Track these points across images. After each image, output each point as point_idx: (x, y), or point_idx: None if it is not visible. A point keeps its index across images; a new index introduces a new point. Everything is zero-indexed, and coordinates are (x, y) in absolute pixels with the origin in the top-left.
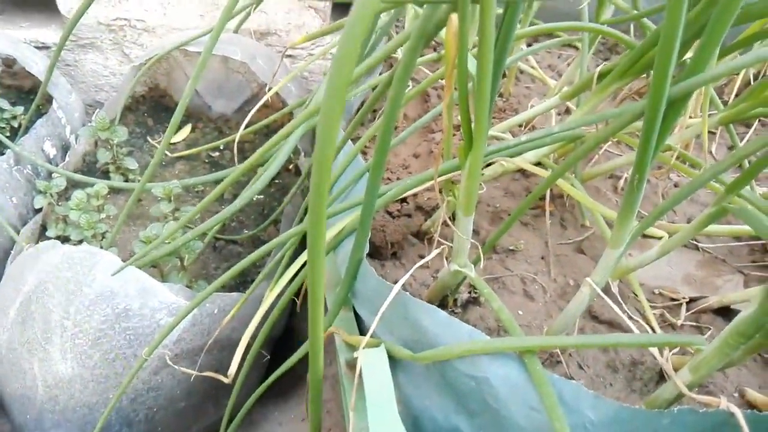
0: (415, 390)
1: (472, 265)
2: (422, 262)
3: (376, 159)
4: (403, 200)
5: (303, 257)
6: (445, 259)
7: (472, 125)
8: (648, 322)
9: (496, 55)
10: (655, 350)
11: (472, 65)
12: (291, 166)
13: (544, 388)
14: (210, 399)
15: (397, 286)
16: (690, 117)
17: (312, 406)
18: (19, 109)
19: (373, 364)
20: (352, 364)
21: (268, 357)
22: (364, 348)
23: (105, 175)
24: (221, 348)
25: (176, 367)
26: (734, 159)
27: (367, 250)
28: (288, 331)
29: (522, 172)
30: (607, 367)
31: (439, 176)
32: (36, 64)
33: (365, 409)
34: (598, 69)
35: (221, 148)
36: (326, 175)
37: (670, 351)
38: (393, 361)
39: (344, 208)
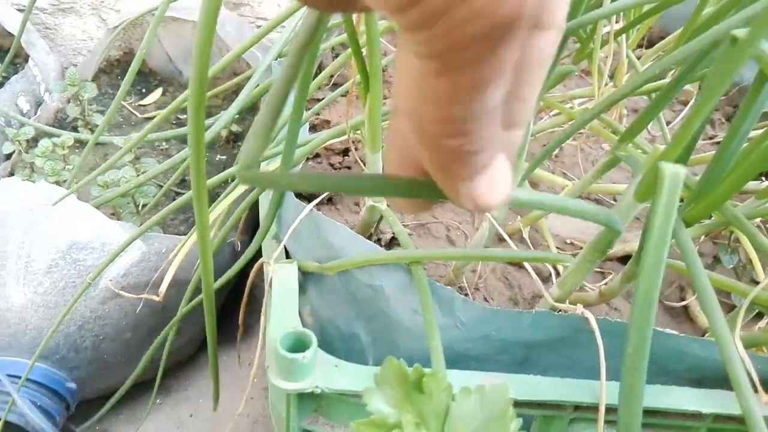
0: (323, 302)
1: (383, 200)
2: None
3: (297, 100)
4: (345, 153)
5: (233, 196)
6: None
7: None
8: (554, 266)
9: None
10: (532, 272)
11: None
12: None
13: (424, 293)
14: (156, 333)
15: (310, 207)
16: (615, 87)
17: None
18: None
19: (283, 275)
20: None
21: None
22: (277, 264)
23: (74, 130)
24: (169, 286)
25: (120, 292)
26: (609, 102)
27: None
28: (243, 276)
29: None
30: (510, 300)
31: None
32: (16, 25)
33: None
34: None
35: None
36: (201, 104)
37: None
38: (306, 277)
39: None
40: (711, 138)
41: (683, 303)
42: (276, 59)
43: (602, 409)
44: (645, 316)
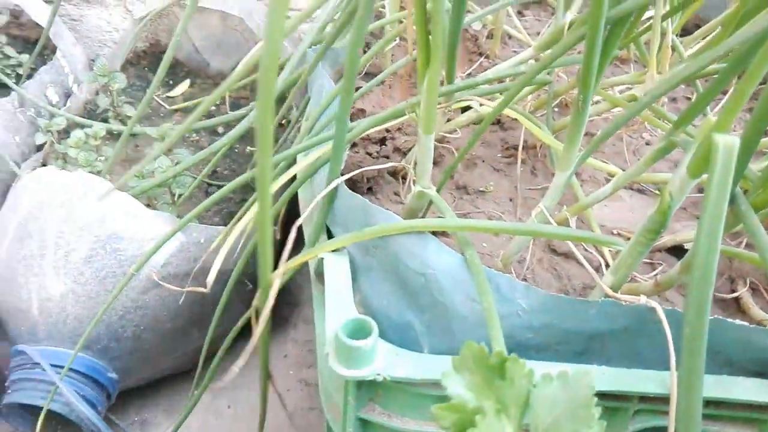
0: (373, 291)
1: (434, 187)
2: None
3: (345, 84)
4: (383, 143)
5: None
6: (411, 184)
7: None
8: (602, 256)
9: None
10: (583, 260)
11: None
12: (284, 121)
13: (480, 280)
14: (195, 324)
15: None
16: (658, 73)
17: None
18: (25, 57)
19: (336, 265)
20: (319, 273)
21: (251, 286)
22: (329, 254)
23: (104, 121)
24: (207, 276)
25: (163, 283)
26: (668, 85)
27: (342, 178)
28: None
29: (499, 123)
30: (559, 291)
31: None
32: (43, 16)
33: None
34: (569, 19)
35: (218, 102)
36: (271, 91)
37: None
38: (356, 267)
39: (321, 140)
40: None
41: (735, 295)
42: (310, 47)
43: (674, 399)
44: (703, 289)
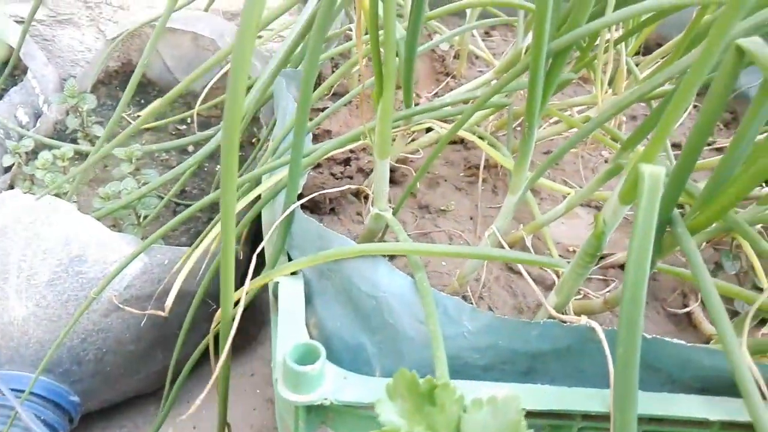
0: (328, 313)
1: (390, 209)
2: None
3: (299, 113)
4: (347, 163)
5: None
6: (370, 205)
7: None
8: (557, 273)
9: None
10: (530, 280)
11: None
12: (254, 140)
13: (427, 302)
14: (158, 345)
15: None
16: (614, 94)
17: (221, 341)
18: None
19: (290, 288)
20: (277, 295)
21: (215, 307)
22: (284, 277)
23: (73, 141)
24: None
25: (123, 307)
26: (615, 109)
27: (298, 203)
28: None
29: (462, 143)
30: (514, 308)
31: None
32: (14, 36)
33: None
34: (527, 43)
35: (188, 121)
36: (236, 126)
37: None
38: (311, 289)
39: (283, 163)
40: (709, 144)
41: (686, 310)
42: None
43: (614, 417)
44: (634, 309)
